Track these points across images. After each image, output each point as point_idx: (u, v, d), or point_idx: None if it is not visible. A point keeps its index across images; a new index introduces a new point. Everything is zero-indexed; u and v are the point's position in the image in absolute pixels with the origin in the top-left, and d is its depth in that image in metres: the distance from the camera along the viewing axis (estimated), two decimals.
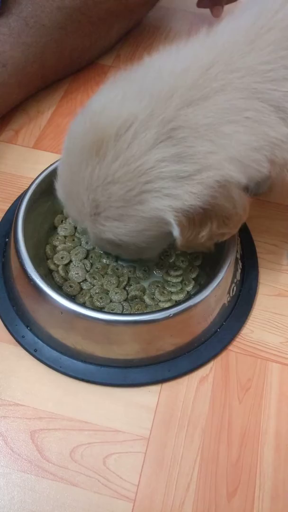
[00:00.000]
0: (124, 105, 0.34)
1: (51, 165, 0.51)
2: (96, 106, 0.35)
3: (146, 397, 0.44)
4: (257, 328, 0.49)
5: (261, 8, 0.35)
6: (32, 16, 0.59)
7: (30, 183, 0.58)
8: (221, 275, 0.43)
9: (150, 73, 0.35)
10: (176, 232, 0.35)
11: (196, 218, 0.34)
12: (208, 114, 0.33)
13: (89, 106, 0.36)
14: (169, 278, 0.49)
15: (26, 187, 0.58)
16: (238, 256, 0.49)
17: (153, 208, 0.34)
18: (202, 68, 0.34)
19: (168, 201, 0.33)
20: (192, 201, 0.33)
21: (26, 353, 0.45)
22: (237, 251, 0.47)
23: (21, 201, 0.48)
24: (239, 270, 0.49)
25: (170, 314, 0.41)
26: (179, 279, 0.49)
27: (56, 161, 0.52)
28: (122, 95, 0.34)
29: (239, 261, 0.49)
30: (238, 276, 0.49)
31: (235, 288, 0.48)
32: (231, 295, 0.47)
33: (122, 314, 0.46)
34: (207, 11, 0.83)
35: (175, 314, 0.42)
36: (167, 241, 0.40)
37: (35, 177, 0.52)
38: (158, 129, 0.33)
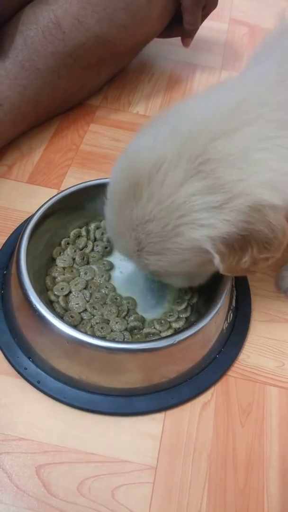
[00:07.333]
0: (155, 148, 0.36)
1: (50, 199, 0.53)
2: (131, 152, 0.38)
3: (151, 425, 0.44)
4: (253, 353, 0.50)
5: (285, 54, 0.39)
6: (27, 60, 0.62)
7: (24, 216, 0.59)
8: (220, 302, 0.45)
9: (181, 115, 0.38)
10: (216, 259, 0.36)
11: (235, 244, 0.36)
12: (237, 143, 0.35)
13: (126, 152, 0.39)
14: (175, 307, 0.50)
15: (21, 221, 0.59)
16: (233, 283, 0.51)
17: (190, 239, 0.36)
18: (232, 105, 0.36)
19: (203, 231, 0.35)
20: (227, 228, 0.35)
21: (29, 385, 0.45)
22: (232, 278, 0.49)
23: (23, 234, 0.49)
24: (235, 297, 0.51)
25: (174, 341, 0.43)
26: (184, 307, 0.50)
27: (53, 196, 0.54)
28: (153, 139, 0.37)
29: (234, 288, 0.51)
30: (234, 303, 0.51)
31: (231, 314, 0.50)
32: (228, 321, 0.49)
33: (127, 342, 0.46)
34: (185, 57, 0.89)
35: (179, 342, 0.43)
36: (213, 267, 0.40)
37: (29, 211, 0.53)
38: (186, 166, 0.34)
